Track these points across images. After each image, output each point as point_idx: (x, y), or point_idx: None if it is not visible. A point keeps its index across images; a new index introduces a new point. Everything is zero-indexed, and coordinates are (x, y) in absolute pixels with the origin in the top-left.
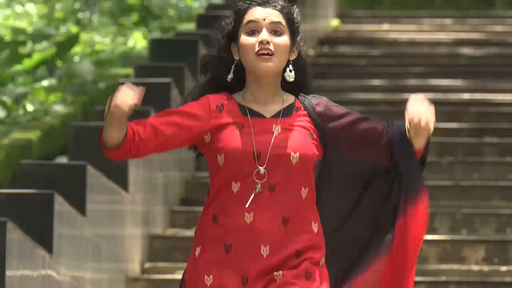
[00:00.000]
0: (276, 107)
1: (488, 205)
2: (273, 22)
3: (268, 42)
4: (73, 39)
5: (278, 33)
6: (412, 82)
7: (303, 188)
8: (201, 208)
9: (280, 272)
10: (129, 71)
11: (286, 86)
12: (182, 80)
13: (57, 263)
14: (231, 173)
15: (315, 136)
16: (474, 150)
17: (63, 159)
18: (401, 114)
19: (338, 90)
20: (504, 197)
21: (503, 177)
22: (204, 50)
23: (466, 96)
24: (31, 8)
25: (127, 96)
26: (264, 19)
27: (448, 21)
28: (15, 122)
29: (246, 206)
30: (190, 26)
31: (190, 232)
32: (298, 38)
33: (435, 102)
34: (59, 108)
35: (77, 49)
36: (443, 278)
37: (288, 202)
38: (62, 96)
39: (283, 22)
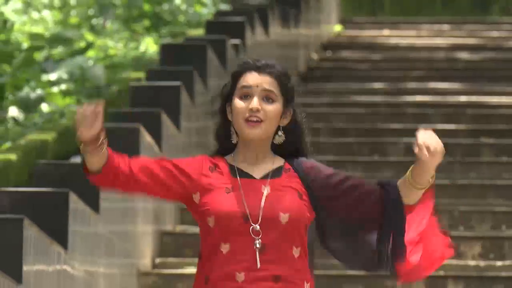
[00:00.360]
0: (266, 169)
1: (484, 203)
2: (265, 90)
3: (258, 110)
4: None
5: (270, 100)
6: (412, 85)
7: (294, 248)
8: None
9: None
10: (141, 74)
11: (283, 149)
12: (191, 83)
13: (71, 259)
14: (221, 235)
15: (304, 197)
16: (471, 151)
17: (77, 159)
18: (400, 116)
19: (340, 92)
20: (499, 196)
21: (499, 176)
22: (212, 55)
23: (463, 98)
24: (47, 14)
25: (86, 127)
26: (257, 86)
27: (446, 27)
28: (31, 124)
29: (258, 266)
30: (199, 32)
31: (198, 229)
32: (292, 104)
33: (434, 105)
34: (74, 110)
35: (91, 53)
36: (441, 273)
37: (279, 262)
38: (77, 99)
39: (276, 89)
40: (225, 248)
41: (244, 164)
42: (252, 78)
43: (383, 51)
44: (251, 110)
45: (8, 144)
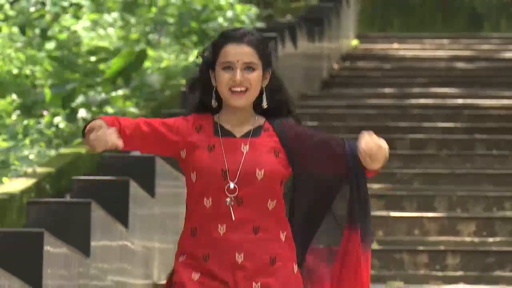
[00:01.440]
0: (247, 128)
1: (478, 189)
2: (245, 62)
3: (241, 81)
4: (142, 56)
5: (251, 69)
6: (416, 90)
7: (269, 201)
8: None
9: (259, 283)
10: None
11: (267, 108)
12: None
13: (131, 236)
14: (202, 189)
15: (280, 155)
16: (467, 145)
17: (137, 152)
18: (407, 116)
19: (356, 97)
20: (491, 183)
21: (491, 166)
22: None
23: (460, 101)
24: (111, 31)
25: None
26: (238, 60)
27: (445, 41)
28: None
29: (233, 219)
30: None
31: None
32: (270, 66)
33: (435, 106)
34: (133, 111)
35: (148, 64)
36: (442, 248)
37: (256, 214)
38: (136, 102)
39: (255, 57)
40: (207, 202)
41: (228, 124)
42: (232, 52)
43: (392, 62)
44: (234, 81)
45: (78, 140)
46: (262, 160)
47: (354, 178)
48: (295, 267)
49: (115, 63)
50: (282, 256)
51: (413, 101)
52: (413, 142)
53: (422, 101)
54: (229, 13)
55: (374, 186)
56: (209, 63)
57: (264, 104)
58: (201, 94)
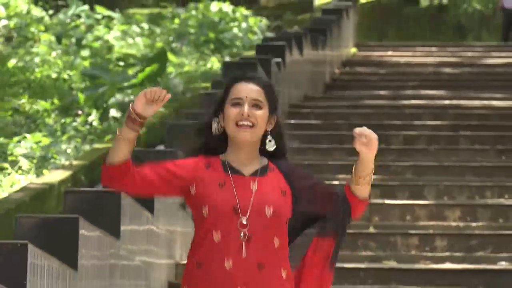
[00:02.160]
0: (254, 167)
1: (462, 180)
2: (254, 99)
3: (248, 115)
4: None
5: (258, 107)
6: (408, 92)
7: (276, 238)
8: None
9: None
10: (208, 85)
11: (266, 150)
12: None
13: (157, 221)
14: (213, 223)
15: (287, 193)
16: (452, 140)
17: (161, 147)
18: (400, 115)
19: (356, 98)
20: (474, 174)
21: (473, 159)
22: (260, 70)
23: (446, 102)
24: (138, 40)
25: (148, 103)
26: (246, 96)
27: (434, 49)
28: None
29: (244, 255)
30: (251, 53)
31: None
32: (276, 111)
33: (425, 107)
34: (159, 110)
35: (170, 69)
36: (431, 231)
37: (262, 251)
38: None
39: (263, 97)
40: (216, 236)
41: (235, 163)
42: (242, 89)
43: (387, 67)
44: (242, 115)
45: (109, 136)
46: (270, 198)
47: (342, 209)
48: None
49: (148, 70)
50: None
51: (405, 102)
52: (406, 138)
53: (413, 102)
54: (243, 25)
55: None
56: (219, 104)
57: (271, 147)
58: (206, 138)
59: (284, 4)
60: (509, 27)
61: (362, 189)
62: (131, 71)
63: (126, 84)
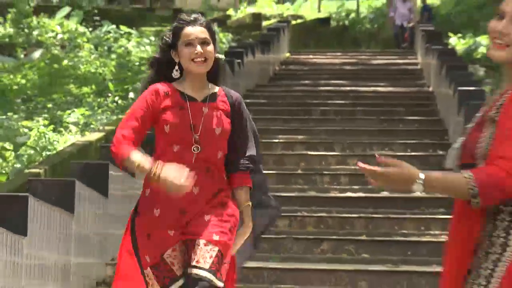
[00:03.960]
0: (205, 93)
1: (358, 139)
2: (201, 39)
3: (201, 53)
4: None
5: (207, 43)
6: (323, 82)
7: (219, 152)
8: None
9: (209, 216)
10: None
11: (211, 77)
12: None
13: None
14: (173, 138)
15: (229, 116)
16: (351, 113)
17: None
18: (318, 96)
19: (289, 85)
20: (366, 135)
21: (366, 126)
22: (228, 68)
23: (348, 88)
24: (148, 48)
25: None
26: (196, 38)
27: (339, 54)
28: None
29: (193, 161)
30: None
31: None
32: (215, 44)
33: (334, 91)
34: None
35: None
36: (338, 172)
37: (209, 159)
38: None
39: (208, 35)
40: (175, 148)
41: (190, 90)
42: (191, 31)
43: (309, 65)
44: (196, 54)
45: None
46: (218, 120)
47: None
48: (230, 196)
49: None
50: (224, 189)
51: (321, 88)
52: (322, 112)
53: (326, 88)
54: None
55: (299, 137)
56: (170, 44)
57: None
58: (159, 70)
59: (242, 25)
60: (399, 37)
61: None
62: (143, 68)
63: (139, 76)
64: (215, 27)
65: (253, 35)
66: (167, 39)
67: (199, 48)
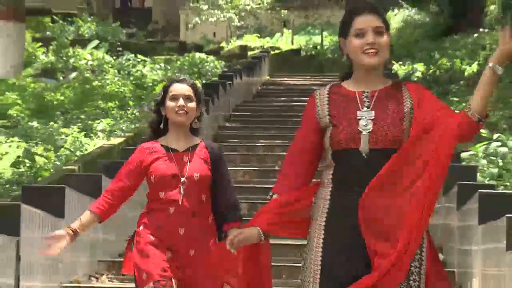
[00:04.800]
0: (187, 144)
1: None
2: (185, 95)
3: (184, 107)
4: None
5: (190, 100)
6: (295, 99)
7: (203, 195)
8: None
9: (194, 250)
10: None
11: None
12: (212, 99)
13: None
14: (159, 186)
15: (209, 163)
16: None
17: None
18: (291, 109)
19: (268, 101)
20: None
21: None
22: (221, 87)
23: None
24: (159, 72)
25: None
26: (180, 93)
27: (308, 77)
28: None
29: (180, 202)
30: (216, 78)
31: None
32: (201, 102)
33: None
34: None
35: None
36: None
37: (194, 203)
38: None
39: (192, 93)
40: (161, 194)
41: (173, 142)
42: (177, 88)
43: (284, 85)
44: (179, 107)
45: (144, 122)
46: (197, 167)
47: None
48: (216, 240)
49: (159, 87)
50: (209, 232)
51: (294, 103)
52: (294, 122)
53: (298, 103)
54: (212, 65)
55: (277, 141)
56: (160, 101)
57: (196, 125)
58: (154, 123)
59: (232, 54)
60: None
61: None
62: (155, 88)
63: (152, 93)
64: (198, 87)
65: (241, 62)
66: (159, 97)
67: (181, 101)
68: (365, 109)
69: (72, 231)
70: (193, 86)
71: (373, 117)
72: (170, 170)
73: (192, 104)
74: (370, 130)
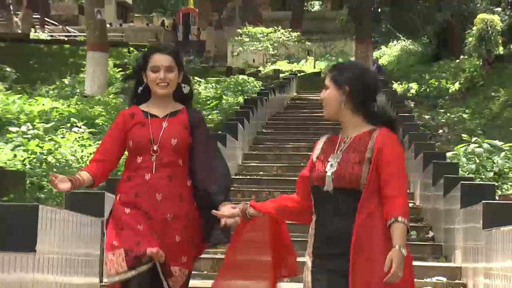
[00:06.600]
0: (167, 111)
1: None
2: (166, 66)
3: (164, 79)
4: (221, 99)
5: (171, 71)
6: (317, 110)
7: (180, 159)
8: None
9: (172, 214)
10: (237, 107)
11: (181, 96)
12: (248, 117)
13: None
14: (136, 151)
15: (188, 128)
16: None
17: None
18: (314, 119)
19: (296, 112)
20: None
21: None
22: (259, 102)
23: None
24: (211, 90)
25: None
26: (161, 65)
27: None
28: None
29: (153, 172)
30: (255, 95)
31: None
32: (183, 68)
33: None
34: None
35: (223, 101)
36: None
37: (171, 167)
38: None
39: (173, 62)
40: (139, 159)
41: (154, 109)
42: (158, 59)
43: (307, 100)
44: (161, 80)
45: None
46: (175, 132)
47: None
48: (195, 203)
49: (214, 102)
50: (187, 196)
51: (315, 114)
52: (316, 128)
53: (319, 114)
54: (251, 84)
55: (302, 143)
56: (141, 67)
57: (185, 89)
58: (135, 87)
59: (268, 76)
60: None
61: None
62: (208, 102)
63: (206, 107)
64: (180, 54)
65: (274, 82)
66: (139, 63)
67: (162, 74)
68: (339, 152)
69: (70, 180)
70: (174, 54)
71: (339, 160)
72: (147, 135)
73: (172, 75)
74: (333, 171)
